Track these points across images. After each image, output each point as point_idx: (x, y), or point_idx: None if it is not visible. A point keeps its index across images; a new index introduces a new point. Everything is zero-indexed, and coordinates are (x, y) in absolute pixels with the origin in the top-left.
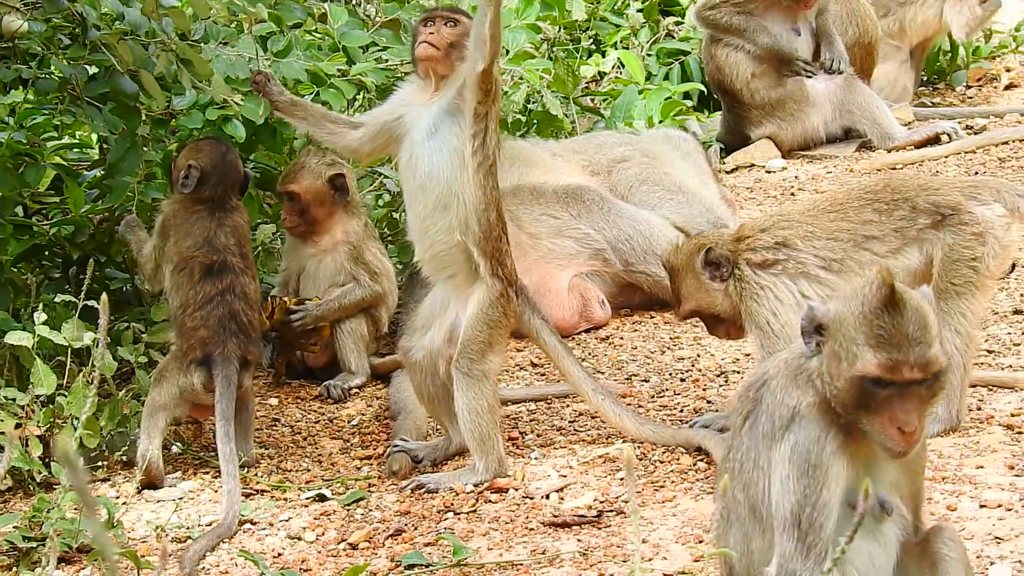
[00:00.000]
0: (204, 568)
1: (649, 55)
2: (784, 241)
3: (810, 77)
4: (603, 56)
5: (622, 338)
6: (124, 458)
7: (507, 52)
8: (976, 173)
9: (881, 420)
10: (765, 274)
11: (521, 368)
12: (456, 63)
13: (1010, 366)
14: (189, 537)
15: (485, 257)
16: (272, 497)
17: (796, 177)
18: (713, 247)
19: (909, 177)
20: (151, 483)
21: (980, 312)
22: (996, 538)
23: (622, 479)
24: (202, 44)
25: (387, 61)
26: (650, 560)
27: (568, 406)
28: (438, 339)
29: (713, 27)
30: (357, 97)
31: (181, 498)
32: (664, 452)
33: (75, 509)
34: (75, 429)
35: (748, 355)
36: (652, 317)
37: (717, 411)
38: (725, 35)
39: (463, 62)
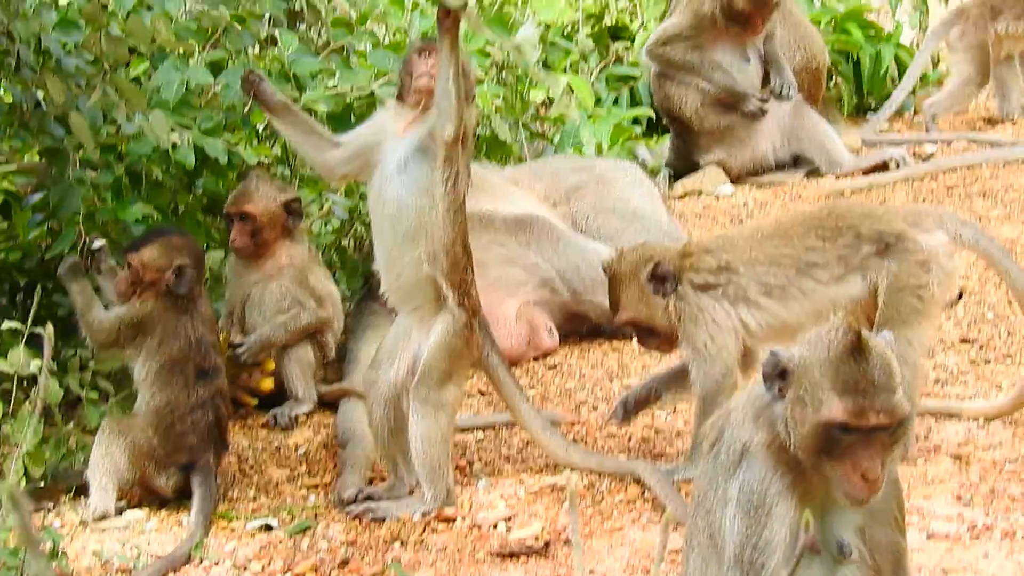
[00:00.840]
0: None
1: (598, 80)
2: (727, 265)
3: (764, 116)
4: None
5: (570, 366)
6: (68, 488)
7: None
8: (924, 200)
9: (844, 467)
10: (706, 297)
11: (470, 396)
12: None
13: (958, 395)
14: (134, 567)
15: (453, 288)
16: (218, 527)
17: (745, 203)
18: (661, 261)
19: (853, 204)
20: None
21: (926, 341)
22: (943, 569)
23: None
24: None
25: (336, 88)
26: None
27: (516, 435)
28: (402, 371)
29: (667, 64)
30: None
31: (126, 527)
32: (611, 482)
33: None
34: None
35: None
36: (600, 345)
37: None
38: (679, 72)
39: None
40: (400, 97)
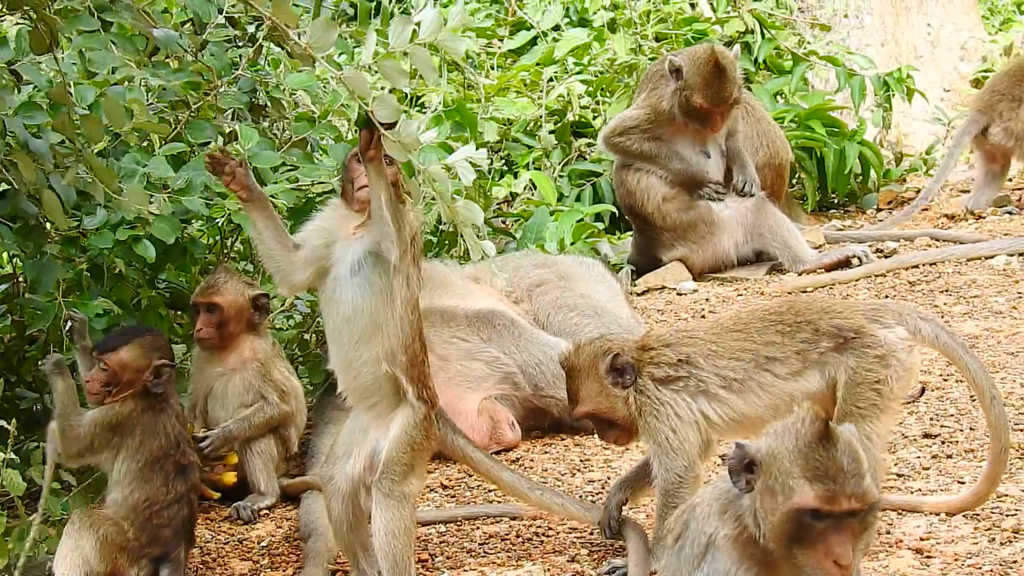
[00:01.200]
0: None
1: (561, 176)
2: (687, 359)
3: (720, 200)
4: (515, 177)
5: (532, 460)
6: None
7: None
8: (886, 297)
9: (816, 554)
10: (666, 390)
11: (432, 490)
12: None
13: (919, 490)
14: None
15: (412, 383)
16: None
17: (707, 299)
18: (619, 353)
19: (812, 300)
20: None
21: (886, 435)
22: None
23: None
24: (113, 160)
25: (298, 181)
26: None
27: (478, 528)
28: (359, 466)
29: (623, 153)
30: None
31: None
32: (576, 574)
33: None
34: None
35: None
36: (563, 440)
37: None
38: (635, 161)
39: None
40: (344, 199)
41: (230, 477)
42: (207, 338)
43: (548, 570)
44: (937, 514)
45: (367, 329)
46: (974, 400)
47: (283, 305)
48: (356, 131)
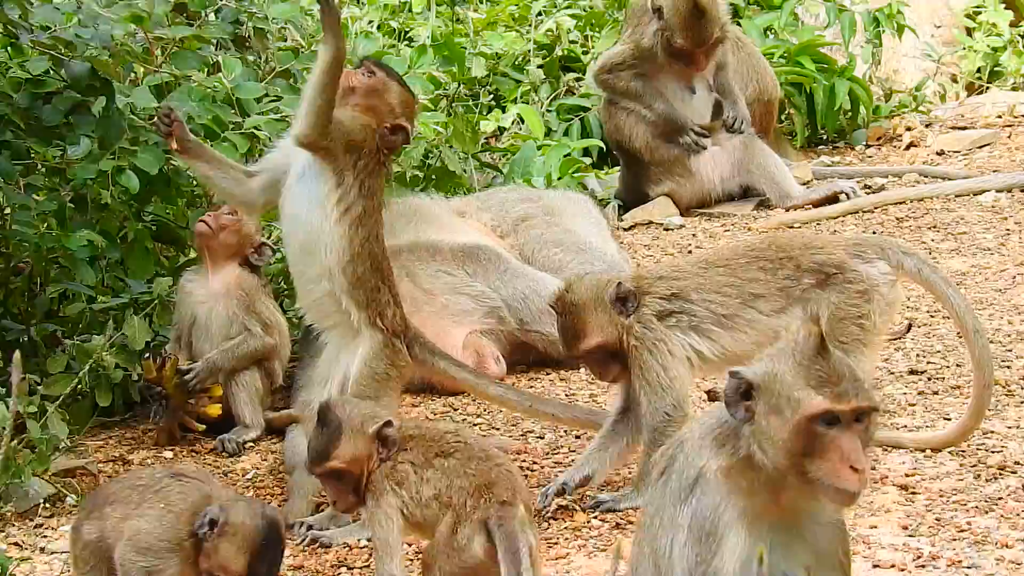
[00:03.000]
0: None
1: (549, 111)
2: (679, 292)
3: (700, 151)
4: (503, 111)
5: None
6: (14, 509)
7: None
8: (873, 232)
9: (831, 462)
10: (661, 325)
11: None
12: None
13: (905, 426)
14: None
15: (358, 308)
16: None
17: (694, 235)
18: (622, 283)
19: (794, 236)
20: None
21: (870, 369)
22: None
23: None
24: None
25: (281, 112)
26: None
27: None
28: (334, 392)
29: (610, 90)
30: (252, 150)
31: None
32: (558, 509)
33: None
34: None
35: None
36: (548, 375)
37: (616, 492)
38: (622, 99)
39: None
40: None
41: (215, 409)
42: (204, 233)
43: (534, 503)
44: (922, 450)
45: (305, 242)
46: (960, 337)
47: (268, 237)
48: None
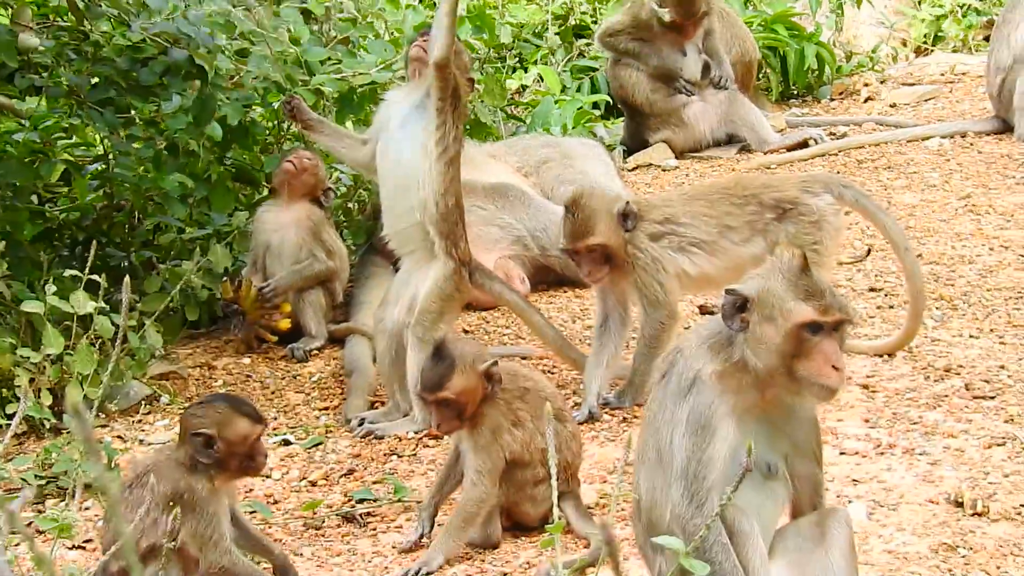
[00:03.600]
0: None
1: (564, 71)
2: (670, 218)
3: (691, 94)
4: (525, 72)
5: (540, 309)
6: (117, 408)
7: None
8: (838, 172)
9: (816, 363)
10: (656, 245)
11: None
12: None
13: (866, 335)
14: None
15: (441, 237)
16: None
17: (687, 175)
18: (629, 202)
19: (756, 176)
20: None
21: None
22: (853, 480)
23: None
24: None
25: (342, 73)
26: None
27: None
28: (403, 311)
29: (612, 50)
30: (317, 104)
31: (168, 442)
32: (574, 407)
33: (80, 452)
34: (80, 383)
35: None
36: (565, 292)
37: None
38: (623, 57)
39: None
40: (403, 78)
41: (285, 323)
42: (290, 171)
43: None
44: (881, 355)
45: (405, 178)
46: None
47: (330, 179)
48: (390, 31)
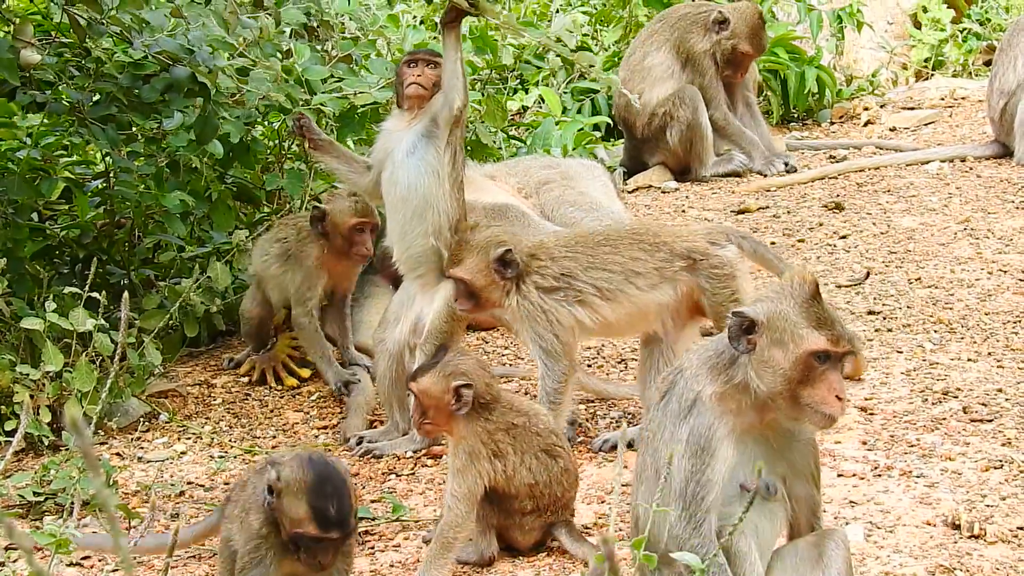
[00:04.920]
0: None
1: (565, 92)
2: (569, 271)
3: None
4: (526, 93)
5: None
6: (116, 425)
7: None
8: (838, 195)
9: (820, 391)
10: (549, 299)
11: None
12: (432, 96)
13: (865, 358)
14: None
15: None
16: (244, 460)
17: (687, 196)
18: (512, 250)
19: (664, 225)
20: None
21: None
22: (851, 502)
23: None
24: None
25: (343, 91)
26: None
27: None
28: (406, 331)
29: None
30: (319, 122)
31: (165, 460)
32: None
33: (78, 469)
34: (80, 400)
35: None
36: None
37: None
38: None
39: (436, 95)
40: (398, 104)
41: (305, 372)
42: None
43: None
44: (879, 377)
45: (419, 206)
46: (911, 283)
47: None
48: (390, 49)
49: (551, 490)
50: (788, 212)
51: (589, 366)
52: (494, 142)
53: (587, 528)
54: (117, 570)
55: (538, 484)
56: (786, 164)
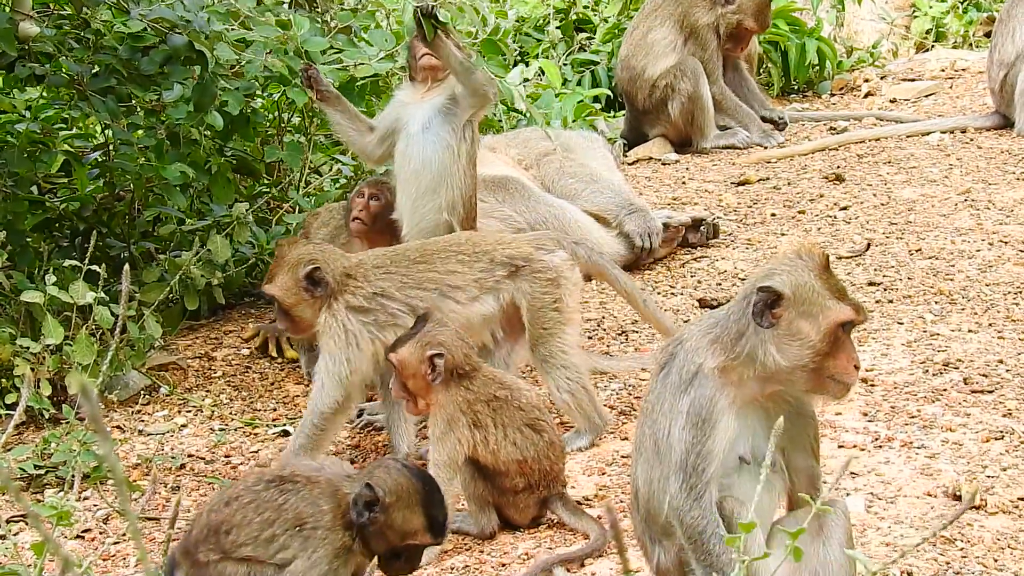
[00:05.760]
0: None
1: (565, 65)
2: (382, 291)
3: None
4: (527, 65)
5: None
6: (116, 398)
7: None
8: (839, 167)
9: (840, 361)
10: (357, 320)
11: None
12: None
13: (864, 329)
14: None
15: (459, 225)
16: (245, 432)
17: (687, 168)
18: (321, 268)
19: (487, 233)
20: None
21: (576, 340)
22: (852, 473)
23: None
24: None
25: (343, 63)
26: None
27: None
28: None
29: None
30: None
31: (166, 433)
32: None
33: (79, 442)
34: (80, 373)
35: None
36: None
37: None
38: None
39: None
40: (411, 77)
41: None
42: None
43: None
44: (879, 348)
45: (433, 180)
46: (912, 254)
47: (331, 171)
48: (390, 20)
49: (540, 465)
50: (788, 183)
51: (589, 338)
52: (494, 114)
53: (588, 500)
54: (118, 543)
55: (526, 460)
56: (780, 122)
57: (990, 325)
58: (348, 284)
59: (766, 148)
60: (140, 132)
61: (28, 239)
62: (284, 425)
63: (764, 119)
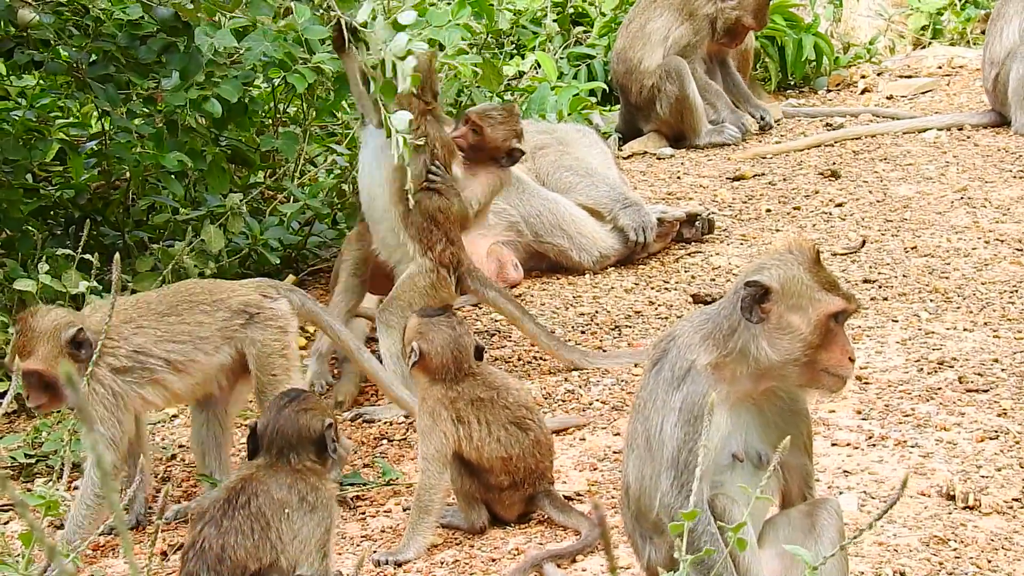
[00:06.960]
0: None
1: (561, 58)
2: (141, 348)
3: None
4: (523, 58)
5: (532, 296)
6: None
7: (442, 48)
8: (834, 163)
9: (834, 353)
10: (121, 381)
11: None
12: None
13: (860, 327)
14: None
15: (419, 244)
16: (235, 423)
17: (682, 163)
18: (84, 329)
19: (219, 282)
20: None
21: (299, 383)
22: (845, 471)
23: None
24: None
25: None
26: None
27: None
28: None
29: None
30: (317, 82)
31: (157, 423)
32: (566, 392)
33: (69, 431)
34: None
35: (639, 312)
36: (558, 279)
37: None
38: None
39: None
40: None
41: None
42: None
43: (544, 387)
44: (873, 346)
45: (380, 209)
46: (907, 251)
47: (325, 161)
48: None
49: (525, 463)
50: (784, 179)
51: (582, 333)
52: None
53: (579, 495)
54: (107, 533)
55: (511, 458)
56: (763, 122)
57: (985, 324)
58: (107, 344)
59: (741, 137)
60: (138, 120)
61: (28, 225)
62: None
63: (751, 116)
